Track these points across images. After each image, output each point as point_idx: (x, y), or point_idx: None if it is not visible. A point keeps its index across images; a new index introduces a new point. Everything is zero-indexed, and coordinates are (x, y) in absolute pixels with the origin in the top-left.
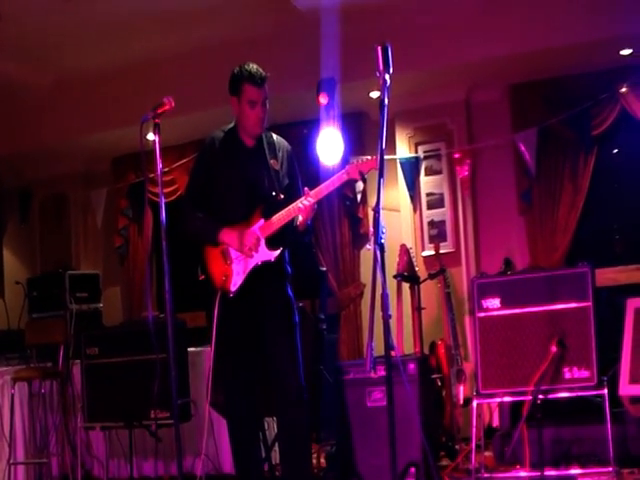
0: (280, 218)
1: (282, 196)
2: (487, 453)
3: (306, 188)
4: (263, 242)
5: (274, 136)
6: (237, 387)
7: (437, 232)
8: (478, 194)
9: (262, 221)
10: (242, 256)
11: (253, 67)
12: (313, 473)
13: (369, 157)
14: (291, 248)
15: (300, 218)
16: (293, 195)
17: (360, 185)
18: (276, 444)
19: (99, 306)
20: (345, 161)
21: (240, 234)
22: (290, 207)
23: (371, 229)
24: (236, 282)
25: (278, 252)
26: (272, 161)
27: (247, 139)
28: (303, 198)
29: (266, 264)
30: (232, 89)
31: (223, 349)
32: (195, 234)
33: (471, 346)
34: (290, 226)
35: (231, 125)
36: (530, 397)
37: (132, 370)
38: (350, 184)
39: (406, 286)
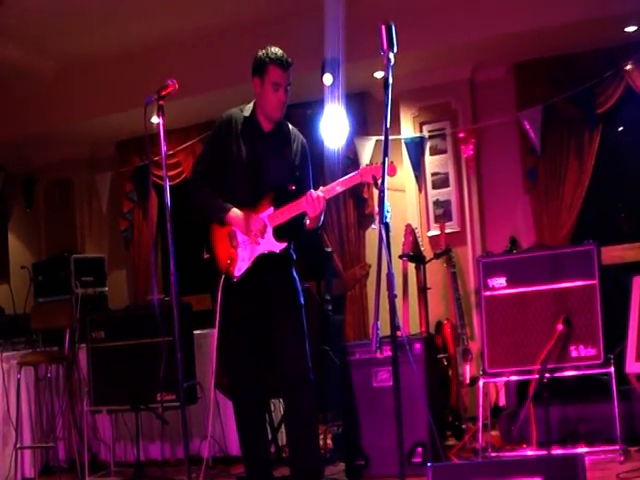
0: (289, 209)
1: (294, 187)
2: (494, 432)
3: (321, 187)
4: (270, 231)
5: (290, 126)
6: (243, 369)
7: (442, 212)
8: (483, 173)
9: (271, 209)
10: (249, 242)
11: (279, 51)
12: (320, 455)
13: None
14: (297, 242)
15: (308, 219)
16: (303, 189)
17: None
18: (283, 426)
19: (105, 290)
20: (349, 142)
21: (248, 217)
22: (300, 200)
23: (376, 209)
24: (241, 268)
25: (284, 245)
26: (286, 150)
27: (265, 123)
28: (310, 193)
29: (271, 253)
30: (256, 69)
31: (228, 331)
32: (201, 209)
33: (477, 325)
34: (299, 221)
35: (249, 105)
36: (536, 376)
37: (138, 353)
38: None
39: (412, 266)
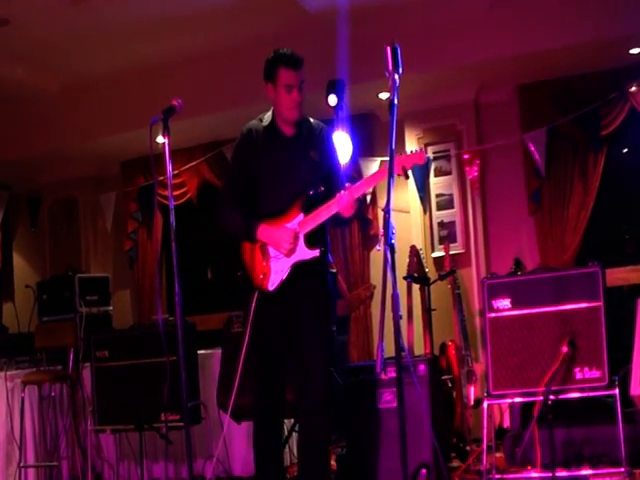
0: (320, 213)
1: (322, 188)
2: (498, 454)
3: (348, 183)
4: (302, 239)
5: (311, 120)
6: (266, 389)
7: (447, 233)
8: (488, 195)
9: (301, 216)
10: (280, 254)
11: (287, 50)
12: (330, 478)
13: (414, 150)
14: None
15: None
16: (334, 186)
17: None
18: (287, 446)
19: (109, 309)
20: (354, 162)
21: (278, 232)
22: (330, 202)
23: (381, 230)
24: (274, 281)
25: (317, 252)
26: (312, 152)
27: (286, 128)
28: (342, 193)
29: (305, 261)
30: (267, 75)
31: (254, 349)
32: (233, 232)
33: (481, 347)
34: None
35: (268, 113)
36: (541, 398)
37: (142, 373)
38: None
39: (416, 287)
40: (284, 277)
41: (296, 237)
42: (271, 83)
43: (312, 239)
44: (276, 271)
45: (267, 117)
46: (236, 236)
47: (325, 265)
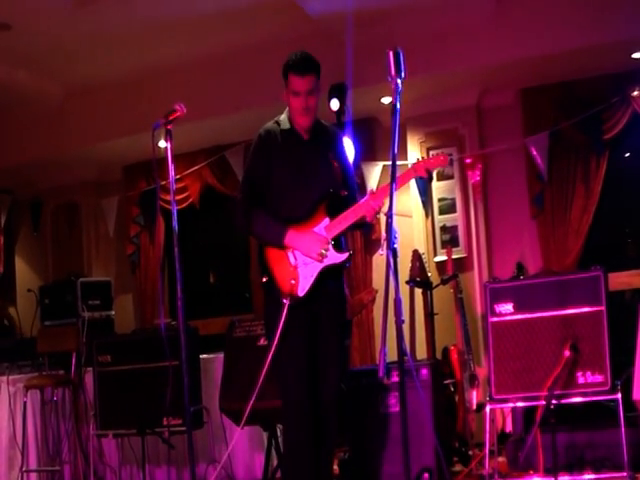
0: (347, 217)
1: (345, 192)
2: (500, 458)
3: (371, 188)
4: (330, 244)
5: (324, 124)
6: (296, 393)
7: (449, 237)
8: (490, 199)
9: (327, 220)
10: (309, 259)
11: (298, 55)
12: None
13: (438, 152)
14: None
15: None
16: (352, 188)
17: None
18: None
19: (111, 313)
20: (355, 166)
21: (308, 238)
22: (356, 206)
23: (383, 234)
24: (304, 287)
25: (347, 255)
26: (330, 154)
27: (302, 131)
28: (369, 197)
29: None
30: (284, 80)
31: (283, 354)
32: (259, 237)
33: (484, 351)
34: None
35: (283, 116)
36: (543, 402)
37: (144, 377)
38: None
39: (418, 292)
40: (313, 282)
41: (327, 243)
42: (285, 88)
43: (338, 242)
44: (305, 276)
45: (283, 119)
46: (262, 241)
47: (343, 269)
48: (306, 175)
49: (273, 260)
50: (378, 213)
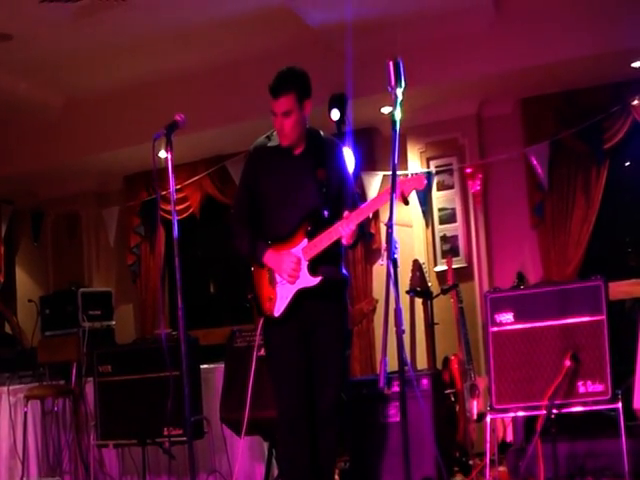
0: (323, 239)
1: (327, 213)
2: (501, 468)
3: (346, 212)
4: (305, 266)
5: (322, 136)
6: (289, 405)
7: (450, 247)
8: (490, 208)
9: (305, 241)
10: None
11: (277, 74)
12: None
13: (412, 174)
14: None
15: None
16: (341, 206)
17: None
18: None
19: (112, 324)
20: (355, 176)
21: (281, 259)
22: (331, 229)
23: (383, 244)
24: (279, 307)
25: (319, 279)
26: (319, 170)
27: (292, 147)
28: (343, 221)
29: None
30: None
31: (273, 368)
32: (244, 255)
33: (484, 361)
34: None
35: (274, 132)
36: (544, 412)
37: (145, 387)
38: None
39: (419, 301)
40: (289, 303)
41: (298, 263)
42: None
43: (317, 263)
44: (282, 297)
45: (275, 134)
46: (247, 260)
47: (340, 282)
48: (291, 192)
49: (256, 277)
50: (356, 237)
